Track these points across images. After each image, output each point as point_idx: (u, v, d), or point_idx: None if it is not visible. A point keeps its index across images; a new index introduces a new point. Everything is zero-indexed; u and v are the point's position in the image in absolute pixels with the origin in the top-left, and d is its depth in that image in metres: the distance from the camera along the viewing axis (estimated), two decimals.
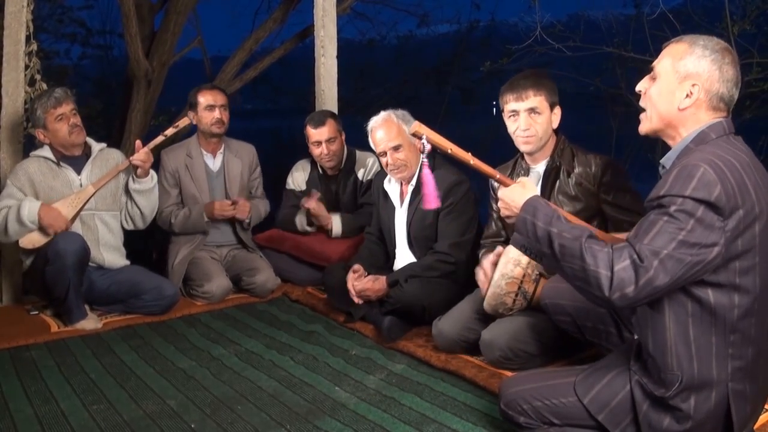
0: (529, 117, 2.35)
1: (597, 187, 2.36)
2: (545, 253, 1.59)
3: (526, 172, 2.49)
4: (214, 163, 3.48)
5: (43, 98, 2.95)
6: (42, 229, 2.85)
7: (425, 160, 1.87)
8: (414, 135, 1.84)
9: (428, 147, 1.83)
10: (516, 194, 1.72)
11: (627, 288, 1.43)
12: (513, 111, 2.37)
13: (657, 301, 1.54)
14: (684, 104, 1.57)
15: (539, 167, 2.46)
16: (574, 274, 1.52)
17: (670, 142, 1.64)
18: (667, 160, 1.62)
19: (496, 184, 2.56)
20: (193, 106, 3.39)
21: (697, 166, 1.44)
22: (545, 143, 2.41)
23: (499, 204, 1.81)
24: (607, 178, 2.36)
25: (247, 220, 3.46)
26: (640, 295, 1.44)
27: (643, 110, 1.65)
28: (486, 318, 2.47)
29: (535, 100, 2.34)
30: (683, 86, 1.56)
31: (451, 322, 2.49)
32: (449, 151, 1.84)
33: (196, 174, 3.40)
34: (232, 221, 3.47)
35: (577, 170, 2.38)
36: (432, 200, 1.92)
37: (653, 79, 1.63)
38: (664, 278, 1.42)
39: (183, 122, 3.17)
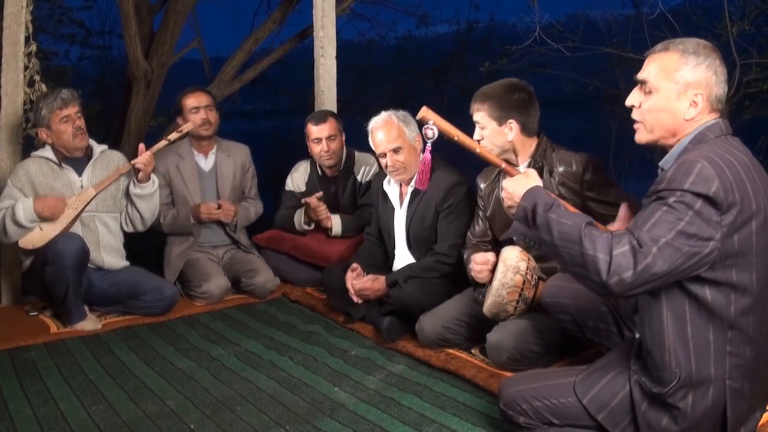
0: (479, 129, 2.41)
1: (580, 185, 2.37)
2: (544, 240, 1.60)
3: None
4: (206, 163, 3.48)
5: (49, 98, 2.95)
6: (45, 220, 2.85)
7: (429, 145, 1.89)
8: (421, 120, 1.85)
9: (436, 133, 1.84)
10: (518, 184, 1.75)
11: (625, 273, 1.43)
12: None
13: (654, 299, 1.55)
14: (690, 114, 1.59)
15: (522, 168, 2.47)
16: (572, 260, 1.52)
17: (668, 147, 1.65)
18: (665, 163, 1.64)
19: (482, 185, 2.59)
20: (180, 111, 3.41)
21: (695, 161, 1.46)
22: (501, 152, 2.41)
23: (502, 194, 1.83)
24: (588, 175, 2.36)
25: (234, 223, 3.46)
26: (638, 281, 1.43)
27: (635, 121, 1.66)
28: (469, 322, 2.50)
29: (478, 115, 2.40)
30: (686, 96, 1.58)
31: (431, 321, 2.53)
32: (455, 138, 1.85)
33: (187, 174, 3.40)
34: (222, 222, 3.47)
35: (559, 170, 2.39)
36: (424, 182, 1.99)
37: (647, 92, 1.63)
38: (663, 265, 1.42)
39: (186, 126, 3.17)
